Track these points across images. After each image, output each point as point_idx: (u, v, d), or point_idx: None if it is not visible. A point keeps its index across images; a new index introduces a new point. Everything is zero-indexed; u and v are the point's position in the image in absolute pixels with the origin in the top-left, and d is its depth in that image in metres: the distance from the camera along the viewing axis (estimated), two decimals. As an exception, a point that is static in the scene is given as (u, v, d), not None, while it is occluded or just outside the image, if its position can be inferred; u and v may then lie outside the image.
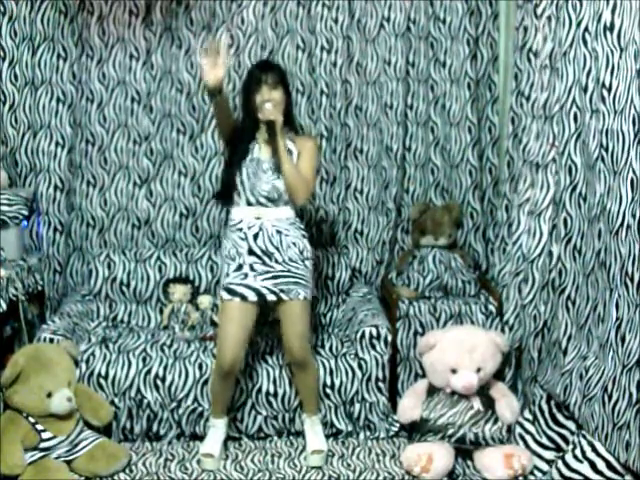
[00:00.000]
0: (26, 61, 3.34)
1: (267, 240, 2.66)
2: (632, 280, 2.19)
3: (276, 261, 2.66)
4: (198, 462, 2.77)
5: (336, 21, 3.38)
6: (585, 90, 2.46)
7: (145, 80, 3.40)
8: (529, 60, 2.86)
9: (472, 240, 3.56)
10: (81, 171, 3.45)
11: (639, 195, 2.15)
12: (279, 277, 2.65)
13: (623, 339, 2.24)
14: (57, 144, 3.41)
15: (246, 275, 2.65)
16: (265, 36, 3.37)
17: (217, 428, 2.83)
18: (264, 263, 2.66)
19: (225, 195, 2.76)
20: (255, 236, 2.66)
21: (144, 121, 3.42)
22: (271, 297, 2.66)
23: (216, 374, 2.76)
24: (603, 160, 2.35)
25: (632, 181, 2.18)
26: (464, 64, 3.40)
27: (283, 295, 2.66)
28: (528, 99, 2.89)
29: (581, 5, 2.46)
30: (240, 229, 2.69)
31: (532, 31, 2.82)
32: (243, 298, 2.64)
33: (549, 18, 2.71)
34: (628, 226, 2.22)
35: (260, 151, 2.70)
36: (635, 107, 2.15)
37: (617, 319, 2.28)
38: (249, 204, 2.69)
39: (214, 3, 3.33)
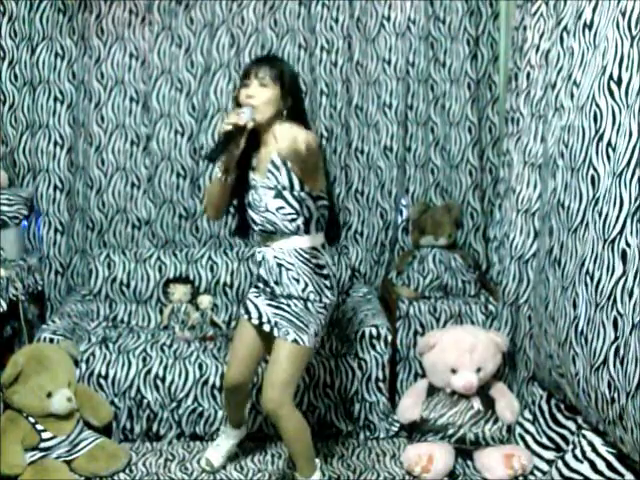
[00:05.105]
0: (25, 61, 3.34)
1: (267, 271, 2.38)
2: (592, 279, 2.18)
3: (276, 294, 2.38)
4: (198, 462, 2.77)
5: (336, 21, 3.38)
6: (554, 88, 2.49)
7: (143, 80, 3.40)
8: (527, 59, 2.86)
9: (472, 240, 3.56)
10: (81, 171, 3.46)
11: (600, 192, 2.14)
12: (279, 309, 2.37)
13: (586, 339, 2.23)
14: (56, 144, 3.41)
15: (259, 294, 2.45)
16: (265, 36, 3.36)
17: (226, 436, 2.78)
18: (268, 291, 2.42)
19: (242, 233, 2.53)
20: (259, 264, 2.42)
21: (142, 122, 3.42)
22: (266, 326, 2.39)
23: (224, 387, 2.68)
24: (562, 156, 2.34)
25: (592, 178, 2.17)
26: (464, 64, 3.39)
27: (275, 329, 2.36)
28: (525, 98, 2.89)
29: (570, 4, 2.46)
30: (253, 254, 2.57)
31: (531, 30, 2.82)
32: (249, 316, 2.45)
33: (545, 17, 2.72)
34: (587, 224, 2.21)
35: (254, 172, 2.36)
36: (596, 103, 2.15)
37: (575, 317, 2.28)
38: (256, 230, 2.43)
39: (214, 2, 3.33)
